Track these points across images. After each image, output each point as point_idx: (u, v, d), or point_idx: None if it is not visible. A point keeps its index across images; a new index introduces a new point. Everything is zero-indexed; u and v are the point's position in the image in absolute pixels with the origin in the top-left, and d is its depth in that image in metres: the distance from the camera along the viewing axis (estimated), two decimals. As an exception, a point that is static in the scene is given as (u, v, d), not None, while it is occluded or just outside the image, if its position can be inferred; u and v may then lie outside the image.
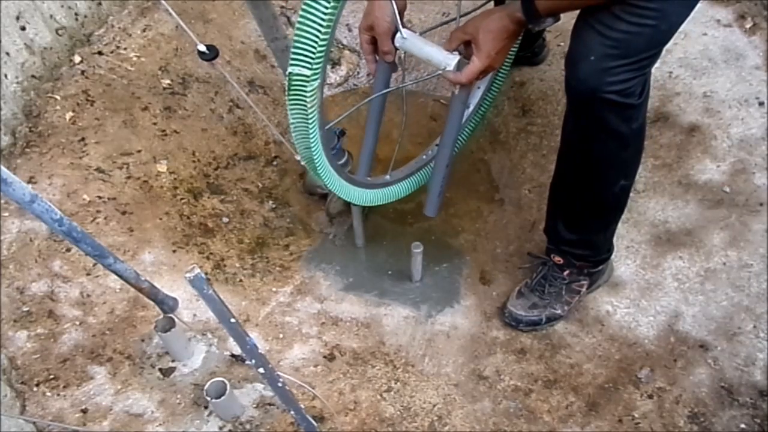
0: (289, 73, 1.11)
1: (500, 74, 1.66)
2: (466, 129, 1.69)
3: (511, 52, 1.60)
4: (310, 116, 1.18)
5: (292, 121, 1.20)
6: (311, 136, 1.22)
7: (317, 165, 1.30)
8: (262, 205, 1.78)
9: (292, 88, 1.13)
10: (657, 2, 1.04)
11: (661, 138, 1.76)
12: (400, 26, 1.23)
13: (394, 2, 1.20)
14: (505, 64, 1.65)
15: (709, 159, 1.70)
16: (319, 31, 1.06)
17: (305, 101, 1.15)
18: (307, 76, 1.11)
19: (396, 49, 1.27)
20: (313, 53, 1.08)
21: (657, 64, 1.83)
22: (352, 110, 1.36)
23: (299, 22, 1.06)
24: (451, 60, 1.22)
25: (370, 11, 1.25)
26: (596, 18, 1.08)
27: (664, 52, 1.85)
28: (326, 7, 1.04)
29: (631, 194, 1.68)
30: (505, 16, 1.15)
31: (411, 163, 1.65)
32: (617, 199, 1.38)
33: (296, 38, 1.08)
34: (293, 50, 1.09)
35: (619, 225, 1.65)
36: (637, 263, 1.60)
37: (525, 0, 1.12)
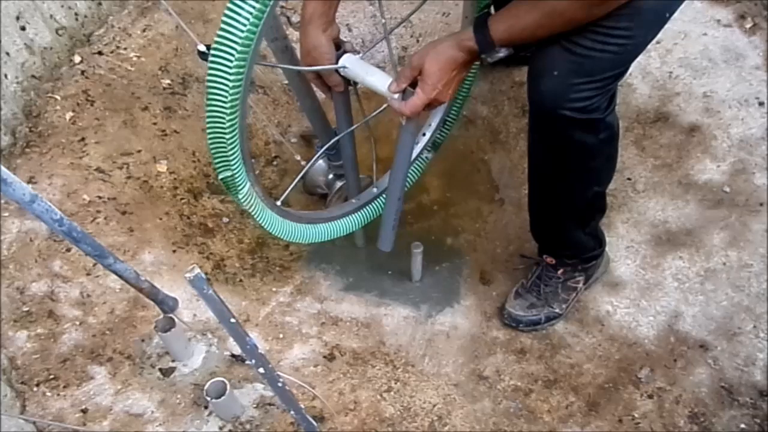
0: (221, 178, 1.13)
1: (457, 101, 1.57)
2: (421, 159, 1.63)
3: (467, 82, 1.52)
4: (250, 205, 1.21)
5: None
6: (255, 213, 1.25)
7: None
8: (262, 205, 1.78)
9: (228, 188, 1.16)
10: (625, 22, 1.02)
11: (661, 138, 1.76)
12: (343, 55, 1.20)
13: (322, 36, 1.17)
14: (463, 91, 1.56)
15: (709, 159, 1.70)
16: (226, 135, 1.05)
17: (238, 197, 1.18)
18: (233, 176, 1.11)
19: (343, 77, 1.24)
20: (228, 155, 1.08)
21: (657, 64, 1.85)
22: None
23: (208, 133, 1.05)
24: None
25: (307, 51, 1.20)
26: (563, 34, 1.04)
27: (664, 52, 1.86)
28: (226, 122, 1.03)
29: (631, 194, 1.69)
30: (455, 46, 1.08)
31: (360, 195, 1.59)
32: (592, 203, 1.37)
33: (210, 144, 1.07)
34: (212, 156, 1.10)
35: (619, 225, 1.65)
36: (637, 263, 1.60)
37: (478, 27, 1.05)
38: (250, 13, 0.93)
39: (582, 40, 1.03)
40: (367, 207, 1.59)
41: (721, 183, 1.66)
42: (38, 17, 1.68)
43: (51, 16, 1.71)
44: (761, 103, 1.74)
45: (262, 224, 1.29)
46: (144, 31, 1.88)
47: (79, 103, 1.69)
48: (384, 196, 1.58)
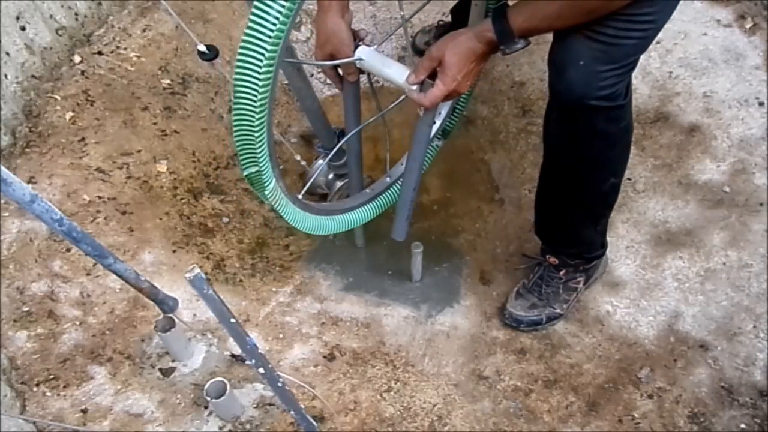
0: (246, 175, 1.11)
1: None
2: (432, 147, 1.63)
3: None
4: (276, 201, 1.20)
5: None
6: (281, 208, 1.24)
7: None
8: (262, 205, 1.78)
9: (253, 184, 1.14)
10: (647, 8, 1.02)
11: (661, 138, 1.76)
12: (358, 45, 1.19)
13: (342, 22, 1.16)
14: None
15: (709, 159, 1.70)
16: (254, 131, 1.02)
17: (265, 194, 1.16)
18: (260, 172, 1.10)
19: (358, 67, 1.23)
20: (256, 151, 1.06)
21: (657, 64, 1.85)
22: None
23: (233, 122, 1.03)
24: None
25: (326, 38, 1.19)
26: (583, 25, 1.04)
27: (664, 52, 1.86)
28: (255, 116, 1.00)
29: (631, 194, 1.69)
30: (473, 37, 1.08)
31: (374, 185, 1.60)
32: (607, 196, 1.37)
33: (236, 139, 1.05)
34: (239, 154, 1.08)
35: (619, 225, 1.65)
36: (637, 263, 1.60)
37: (497, 18, 1.05)
38: (281, 11, 0.91)
39: (605, 28, 1.03)
40: (382, 196, 1.59)
41: (721, 183, 1.66)
42: (38, 17, 1.68)
43: (51, 16, 1.71)
44: (761, 103, 1.74)
45: (287, 219, 1.28)
46: (144, 31, 1.88)
47: (79, 103, 1.69)
48: (398, 184, 1.58)
